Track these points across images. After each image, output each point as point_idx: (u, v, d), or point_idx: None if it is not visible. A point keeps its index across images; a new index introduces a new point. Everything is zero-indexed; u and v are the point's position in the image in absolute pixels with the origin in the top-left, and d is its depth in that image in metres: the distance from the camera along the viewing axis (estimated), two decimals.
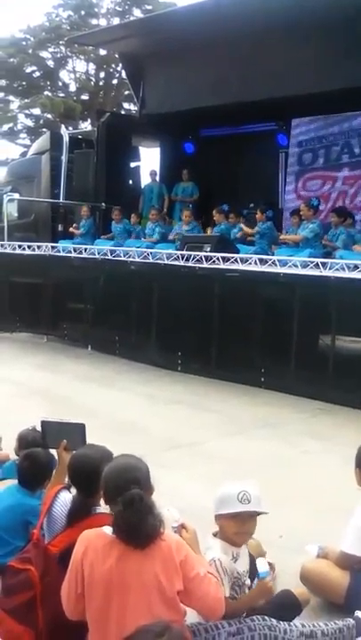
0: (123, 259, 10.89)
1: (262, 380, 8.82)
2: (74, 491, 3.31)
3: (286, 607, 3.19)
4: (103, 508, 3.27)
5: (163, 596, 2.61)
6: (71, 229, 13.18)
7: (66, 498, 3.29)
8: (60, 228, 13.59)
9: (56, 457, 3.80)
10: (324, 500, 5.03)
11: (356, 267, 8.30)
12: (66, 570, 2.81)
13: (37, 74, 30.14)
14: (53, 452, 3.83)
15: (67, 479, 3.45)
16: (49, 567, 3.06)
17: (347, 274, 8.27)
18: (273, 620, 2.99)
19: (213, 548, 3.10)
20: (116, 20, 27.36)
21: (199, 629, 2.89)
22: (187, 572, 2.68)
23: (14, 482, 3.98)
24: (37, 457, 3.88)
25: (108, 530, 2.69)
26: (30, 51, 29.24)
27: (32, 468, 3.86)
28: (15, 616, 3.02)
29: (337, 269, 8.38)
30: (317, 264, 8.59)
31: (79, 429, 3.75)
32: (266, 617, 2.99)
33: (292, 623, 3.06)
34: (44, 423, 3.86)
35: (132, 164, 15.09)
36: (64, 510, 3.24)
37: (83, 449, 3.43)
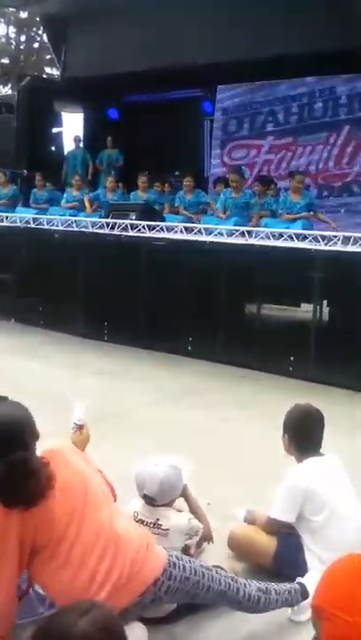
0: (46, 227, 10.63)
1: (189, 348, 8.83)
2: None
3: None
4: None
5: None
6: None
7: None
8: None
9: None
10: (251, 467, 5.07)
11: (280, 235, 8.35)
12: None
13: None
14: None
15: None
16: None
17: (272, 242, 8.31)
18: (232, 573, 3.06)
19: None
20: None
21: (178, 558, 2.86)
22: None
23: None
24: None
25: None
26: None
27: None
28: None
29: (262, 238, 8.42)
30: (243, 232, 8.61)
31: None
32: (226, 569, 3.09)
33: (246, 579, 3.10)
34: None
35: (55, 130, 14.74)
36: None
37: None
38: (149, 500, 3.16)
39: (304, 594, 3.23)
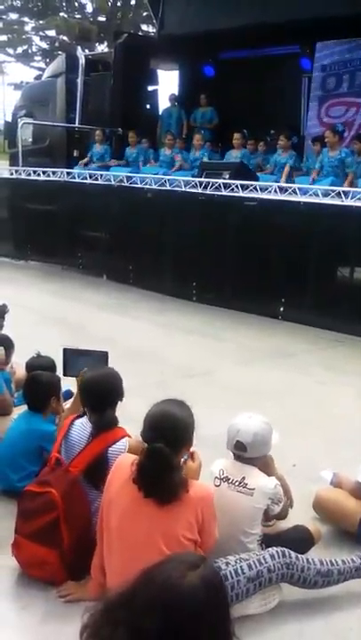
0: (139, 186, 10.67)
1: (280, 310, 8.74)
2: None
3: (299, 543, 3.23)
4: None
5: (172, 543, 2.62)
6: (81, 162, 12.90)
7: (82, 422, 3.31)
8: (75, 153, 13.30)
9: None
10: (339, 431, 5.02)
11: None
12: (91, 486, 3.10)
13: None
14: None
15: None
16: (70, 487, 3.13)
17: None
18: (292, 554, 3.02)
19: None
20: None
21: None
22: (200, 526, 2.72)
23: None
24: (38, 377, 3.91)
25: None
26: None
27: (33, 389, 3.88)
28: (37, 539, 3.09)
29: (359, 199, 8.17)
30: (339, 193, 8.39)
31: (102, 357, 3.70)
32: (286, 552, 3.02)
33: (310, 559, 3.08)
34: (66, 351, 3.80)
35: (150, 88, 14.65)
36: (82, 434, 3.28)
37: (90, 373, 3.44)
38: (240, 448, 3.16)
39: None
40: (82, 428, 3.29)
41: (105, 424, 3.24)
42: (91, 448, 3.19)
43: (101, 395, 3.29)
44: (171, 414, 2.75)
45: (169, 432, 2.68)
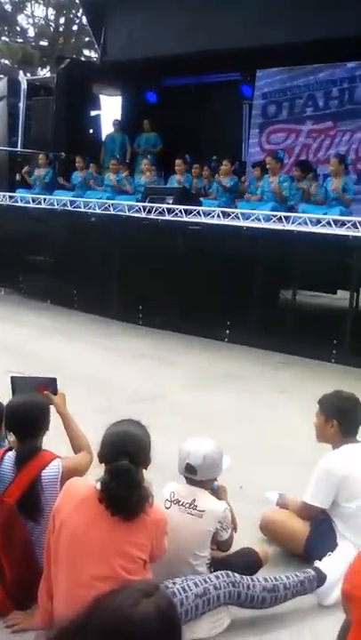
0: (83, 210, 10.68)
1: (226, 333, 8.83)
2: None
3: (247, 565, 3.26)
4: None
5: (126, 562, 2.65)
6: (24, 171, 12.85)
7: (11, 455, 3.26)
8: (17, 177, 13.24)
9: None
10: (285, 452, 5.07)
11: (318, 221, 8.28)
12: (26, 517, 3.03)
13: None
14: None
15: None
16: (6, 518, 3.07)
17: (309, 228, 8.25)
18: (236, 575, 3.06)
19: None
20: None
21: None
22: (154, 548, 2.76)
23: None
24: None
25: (97, 485, 2.74)
26: None
27: None
28: None
29: (299, 223, 8.36)
30: (280, 218, 8.57)
31: (50, 384, 3.67)
32: (230, 572, 3.05)
33: (255, 578, 3.12)
34: (14, 378, 3.75)
35: (93, 113, 14.73)
36: (12, 466, 3.20)
37: (14, 399, 3.40)
38: (190, 471, 3.18)
39: (320, 580, 3.26)
40: (11, 460, 3.21)
41: (26, 452, 3.18)
42: (21, 477, 3.12)
43: (24, 422, 3.25)
44: (131, 433, 2.80)
45: (131, 450, 2.72)
